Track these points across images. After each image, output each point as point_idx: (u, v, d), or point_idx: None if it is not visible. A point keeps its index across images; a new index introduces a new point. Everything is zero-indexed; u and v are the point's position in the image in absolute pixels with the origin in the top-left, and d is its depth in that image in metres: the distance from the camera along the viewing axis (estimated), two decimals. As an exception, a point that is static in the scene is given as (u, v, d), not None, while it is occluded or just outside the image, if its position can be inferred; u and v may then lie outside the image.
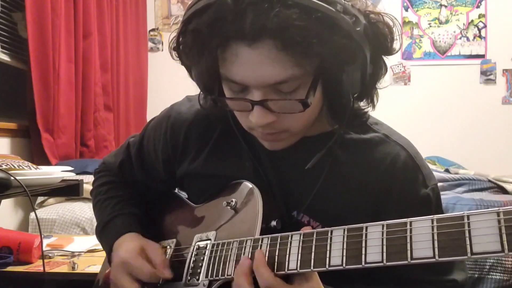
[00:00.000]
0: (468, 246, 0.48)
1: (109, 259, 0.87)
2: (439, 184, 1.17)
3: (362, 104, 0.76)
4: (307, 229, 0.65)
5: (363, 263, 0.56)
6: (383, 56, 0.71)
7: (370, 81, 0.70)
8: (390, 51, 0.70)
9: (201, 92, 0.78)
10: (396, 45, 0.70)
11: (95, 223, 0.96)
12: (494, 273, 1.75)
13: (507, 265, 1.76)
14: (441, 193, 0.82)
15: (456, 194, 2.33)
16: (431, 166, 2.37)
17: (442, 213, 0.77)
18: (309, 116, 0.71)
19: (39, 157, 2.51)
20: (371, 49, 0.66)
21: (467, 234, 0.49)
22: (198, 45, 0.65)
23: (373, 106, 0.76)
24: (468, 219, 0.49)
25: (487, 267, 1.76)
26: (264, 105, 0.66)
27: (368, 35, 0.65)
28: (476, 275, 1.76)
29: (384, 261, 0.54)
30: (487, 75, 3.76)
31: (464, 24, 3.81)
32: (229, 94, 0.70)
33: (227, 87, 0.69)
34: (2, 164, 1.15)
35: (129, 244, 0.83)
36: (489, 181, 2.48)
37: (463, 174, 2.66)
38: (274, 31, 0.59)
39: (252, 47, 0.62)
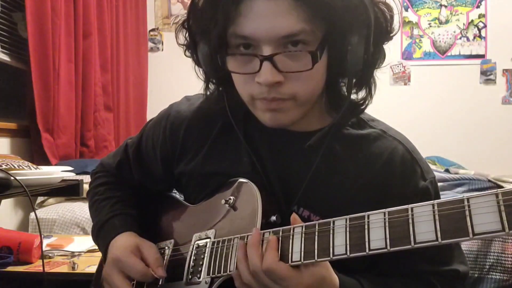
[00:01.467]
0: (470, 228, 0.49)
1: (105, 259, 0.87)
2: (439, 184, 1.17)
3: (360, 95, 0.77)
4: (297, 221, 0.66)
5: (367, 250, 0.56)
6: (382, 40, 0.73)
7: (371, 63, 0.71)
8: (390, 32, 0.72)
9: (205, 78, 0.79)
10: (395, 28, 0.73)
11: (94, 223, 0.95)
12: (494, 273, 1.75)
13: (507, 265, 1.75)
14: (441, 193, 0.82)
15: (456, 194, 2.33)
16: (431, 166, 2.36)
17: None
18: (314, 84, 0.71)
19: (39, 157, 2.51)
20: (374, 24, 0.68)
21: (467, 216, 0.50)
22: (213, 3, 0.67)
23: (371, 96, 0.76)
24: (468, 201, 0.50)
25: (487, 266, 1.76)
26: (272, 61, 0.66)
27: (373, 8, 0.68)
28: (476, 275, 1.76)
29: (388, 247, 0.55)
30: (487, 75, 3.76)
31: (464, 24, 3.81)
32: (237, 58, 0.70)
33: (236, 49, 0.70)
34: (2, 164, 1.15)
35: (123, 242, 0.83)
36: (489, 181, 2.48)
37: (463, 174, 2.66)
38: None
39: None
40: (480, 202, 0.49)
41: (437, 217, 0.52)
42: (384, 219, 0.56)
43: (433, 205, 0.53)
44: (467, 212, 0.50)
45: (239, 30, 0.66)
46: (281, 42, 0.66)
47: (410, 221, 0.54)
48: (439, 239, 0.51)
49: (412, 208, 0.54)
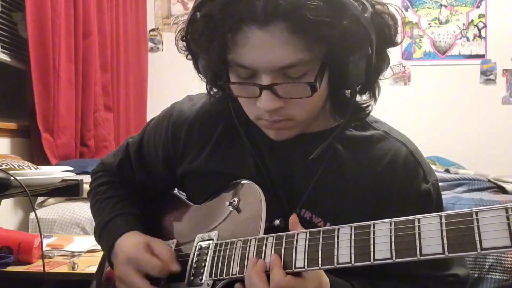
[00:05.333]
0: (478, 242, 0.49)
1: (109, 259, 0.87)
2: (439, 184, 1.17)
3: (364, 98, 0.77)
4: (297, 225, 0.66)
5: (372, 260, 0.56)
6: (386, 49, 0.72)
7: (374, 72, 0.71)
8: (394, 42, 0.72)
9: (207, 84, 0.78)
10: (399, 37, 0.72)
11: (95, 223, 0.95)
12: (494, 273, 1.75)
13: (506, 265, 1.76)
14: (441, 193, 0.82)
15: (455, 194, 2.33)
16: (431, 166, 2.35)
17: (443, 209, 0.77)
18: (314, 105, 0.72)
19: (39, 157, 2.50)
20: (376, 38, 0.67)
21: (476, 230, 0.49)
22: (210, 29, 0.66)
23: (375, 100, 0.76)
24: (476, 215, 0.49)
25: (487, 267, 1.76)
26: (272, 89, 0.66)
27: (375, 24, 0.66)
28: (475, 275, 1.76)
29: (393, 258, 0.54)
30: (487, 75, 3.76)
31: (464, 24, 3.81)
32: (237, 80, 0.70)
33: (235, 74, 0.69)
34: (2, 164, 1.15)
35: (133, 241, 0.83)
36: (489, 181, 2.48)
37: (463, 174, 2.65)
38: (286, 13, 0.61)
39: (263, 30, 0.63)
40: (489, 217, 0.48)
41: (444, 230, 0.51)
42: (390, 229, 0.56)
43: (440, 217, 0.52)
44: (475, 228, 0.49)
45: (239, 60, 0.66)
46: (280, 71, 0.66)
47: (417, 232, 0.53)
48: (446, 253, 0.50)
49: (419, 219, 0.54)
